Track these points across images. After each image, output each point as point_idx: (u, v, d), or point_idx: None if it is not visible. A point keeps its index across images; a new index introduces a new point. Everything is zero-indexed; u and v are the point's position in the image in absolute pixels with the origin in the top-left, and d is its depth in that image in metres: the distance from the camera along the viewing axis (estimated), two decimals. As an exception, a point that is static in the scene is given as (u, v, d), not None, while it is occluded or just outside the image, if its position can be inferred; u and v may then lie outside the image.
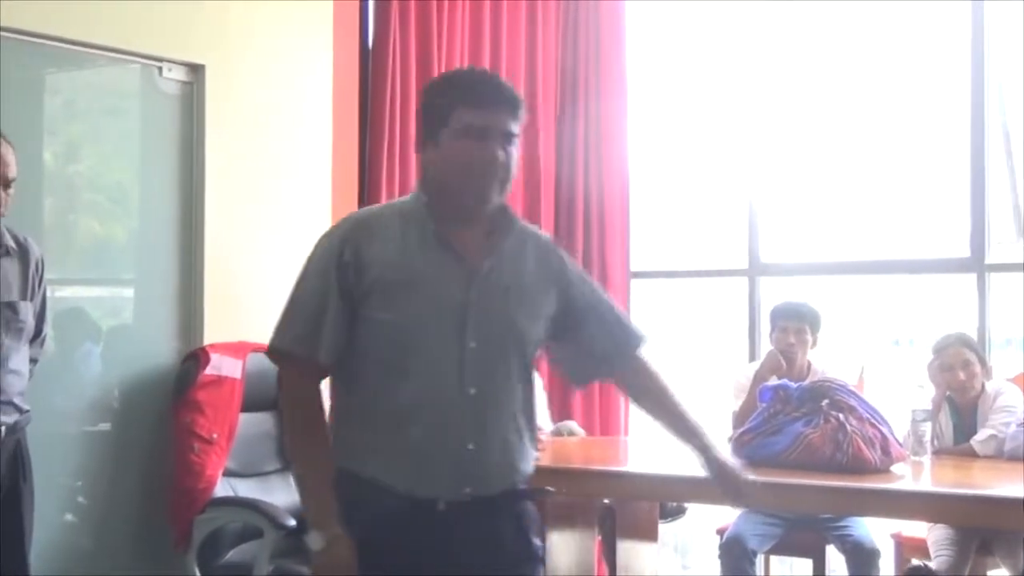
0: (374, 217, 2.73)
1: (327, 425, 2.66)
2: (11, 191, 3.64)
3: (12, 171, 3.63)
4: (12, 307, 3.70)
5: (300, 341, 2.61)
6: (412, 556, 2.59)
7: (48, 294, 3.93)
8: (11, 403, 3.68)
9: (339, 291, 2.61)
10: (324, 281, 2.62)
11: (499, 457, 2.65)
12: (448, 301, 2.62)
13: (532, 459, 2.76)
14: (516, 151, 2.71)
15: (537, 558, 2.77)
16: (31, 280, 3.78)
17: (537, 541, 2.76)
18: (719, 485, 3.01)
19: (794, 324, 4.97)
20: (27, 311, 3.75)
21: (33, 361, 3.86)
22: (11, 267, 3.73)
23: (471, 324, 2.62)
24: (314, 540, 2.54)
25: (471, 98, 2.65)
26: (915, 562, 4.70)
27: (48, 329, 3.96)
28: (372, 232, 2.65)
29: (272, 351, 2.66)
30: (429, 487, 2.60)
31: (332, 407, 2.72)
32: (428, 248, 2.65)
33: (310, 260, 2.68)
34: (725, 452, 3.03)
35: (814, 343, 5.00)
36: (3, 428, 3.65)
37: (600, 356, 2.91)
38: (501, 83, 2.76)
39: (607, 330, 2.91)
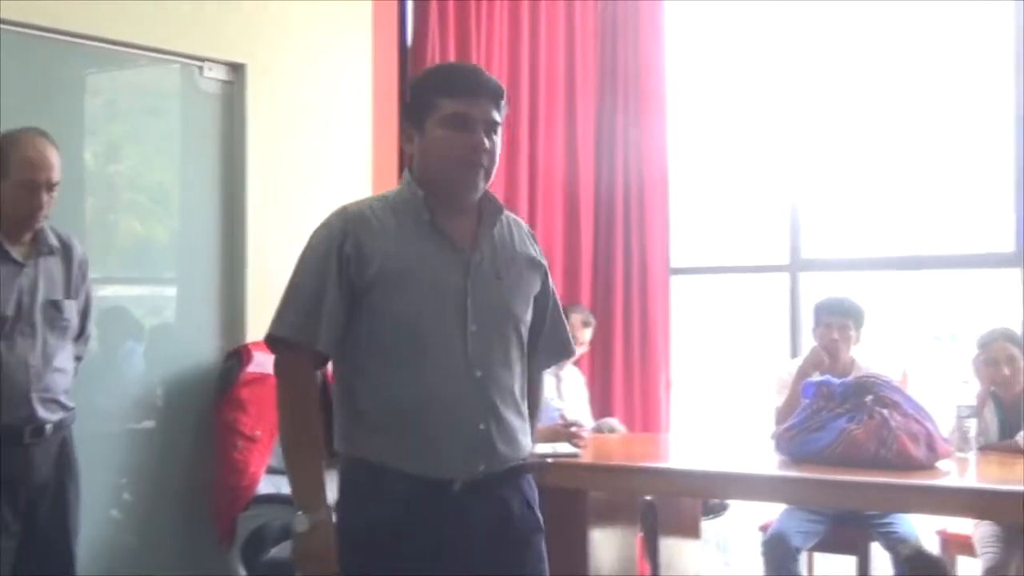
0: (368, 210, 2.77)
1: (320, 413, 2.71)
2: (55, 194, 3.67)
3: (56, 175, 3.67)
4: (56, 306, 3.73)
5: (299, 329, 2.68)
6: (429, 538, 2.67)
7: (91, 293, 3.95)
8: (56, 401, 3.71)
9: (339, 282, 2.68)
10: (324, 272, 2.68)
11: (508, 434, 2.75)
12: (448, 288, 2.72)
13: (531, 434, 2.89)
14: (499, 140, 2.77)
15: (540, 529, 2.87)
16: (74, 278, 3.82)
17: (539, 512, 2.87)
18: None
19: (838, 320, 4.94)
20: (71, 309, 3.78)
21: (78, 359, 3.89)
22: (55, 266, 3.76)
23: (471, 309, 2.72)
24: (300, 522, 2.61)
25: (454, 88, 2.72)
26: (915, 547, 4.67)
27: (92, 327, 3.98)
28: (370, 225, 2.72)
29: (270, 338, 2.73)
30: (446, 468, 2.68)
31: (336, 399, 2.78)
32: (424, 238, 2.73)
33: (308, 250, 2.74)
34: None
35: (857, 339, 4.96)
36: (49, 426, 3.68)
37: (538, 351, 2.96)
38: (483, 73, 2.82)
39: (554, 329, 3.00)
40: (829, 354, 4.89)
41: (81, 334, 3.91)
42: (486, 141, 2.72)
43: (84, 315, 3.90)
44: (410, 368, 2.68)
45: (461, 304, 2.72)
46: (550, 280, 2.98)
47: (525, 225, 2.98)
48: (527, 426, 2.85)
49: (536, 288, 2.90)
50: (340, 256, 2.68)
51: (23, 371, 3.62)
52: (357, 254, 2.68)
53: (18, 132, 3.67)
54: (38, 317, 3.67)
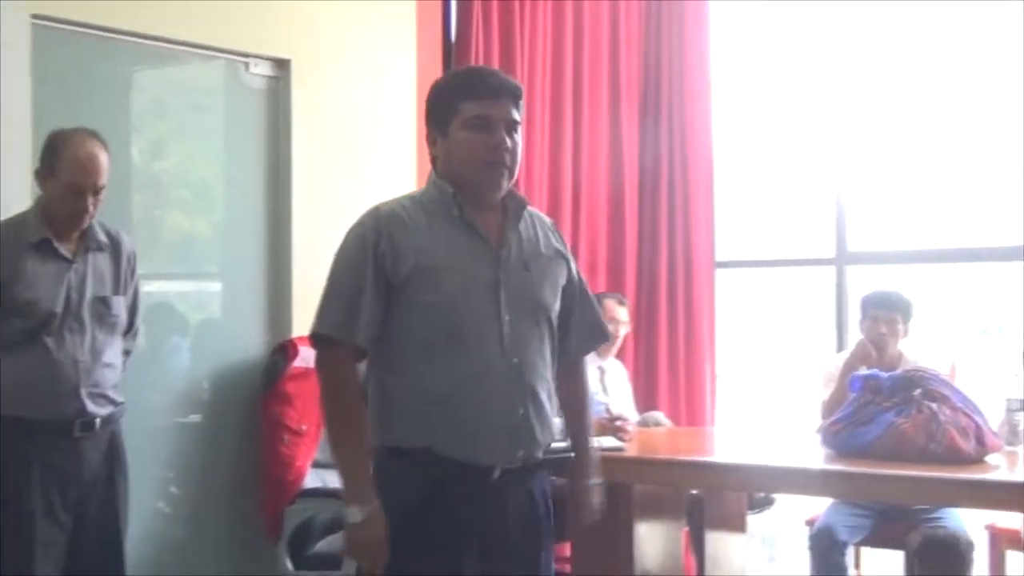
0: (400, 208, 2.87)
1: (363, 405, 2.82)
2: (102, 196, 3.70)
3: (103, 180, 3.68)
4: (104, 302, 3.75)
5: (339, 326, 2.77)
6: (468, 524, 2.79)
7: (139, 287, 3.98)
8: (105, 396, 3.74)
9: (375, 280, 2.77)
10: (361, 270, 2.78)
11: (544, 418, 2.89)
12: (482, 280, 2.84)
13: (588, 426, 3.19)
14: (520, 137, 2.89)
15: (551, 514, 3.03)
16: (123, 274, 3.83)
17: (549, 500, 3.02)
18: (571, 497, 3.24)
19: (885, 313, 4.90)
20: (119, 305, 3.80)
21: (126, 353, 3.91)
22: (104, 262, 3.78)
23: (504, 299, 2.84)
24: (352, 514, 2.70)
25: (475, 92, 2.84)
26: (925, 535, 4.62)
27: (140, 322, 4.01)
28: (403, 223, 2.83)
29: (313, 335, 2.81)
30: (488, 454, 2.81)
31: (371, 393, 2.87)
32: (455, 233, 2.85)
33: (344, 250, 2.84)
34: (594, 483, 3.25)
35: (906, 332, 4.92)
36: (98, 420, 3.71)
37: (571, 338, 3.07)
38: (501, 75, 2.95)
39: (585, 313, 3.12)
40: (876, 348, 4.86)
41: (129, 329, 3.93)
42: (507, 140, 2.83)
43: (132, 310, 3.92)
44: (448, 357, 2.78)
45: (494, 295, 2.83)
46: (575, 268, 3.09)
47: (548, 219, 3.10)
48: (555, 411, 2.99)
49: (563, 279, 3.02)
50: (375, 255, 2.78)
51: (72, 367, 3.64)
52: (392, 251, 2.78)
53: (70, 132, 3.68)
54: (86, 313, 3.69)
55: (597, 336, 3.20)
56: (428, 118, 2.93)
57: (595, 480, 3.23)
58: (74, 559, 3.69)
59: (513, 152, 2.85)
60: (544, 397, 2.89)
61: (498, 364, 2.81)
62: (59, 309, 3.63)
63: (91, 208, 3.66)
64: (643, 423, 5.32)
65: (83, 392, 3.66)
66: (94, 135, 3.69)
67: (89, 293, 3.71)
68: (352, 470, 2.75)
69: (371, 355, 2.86)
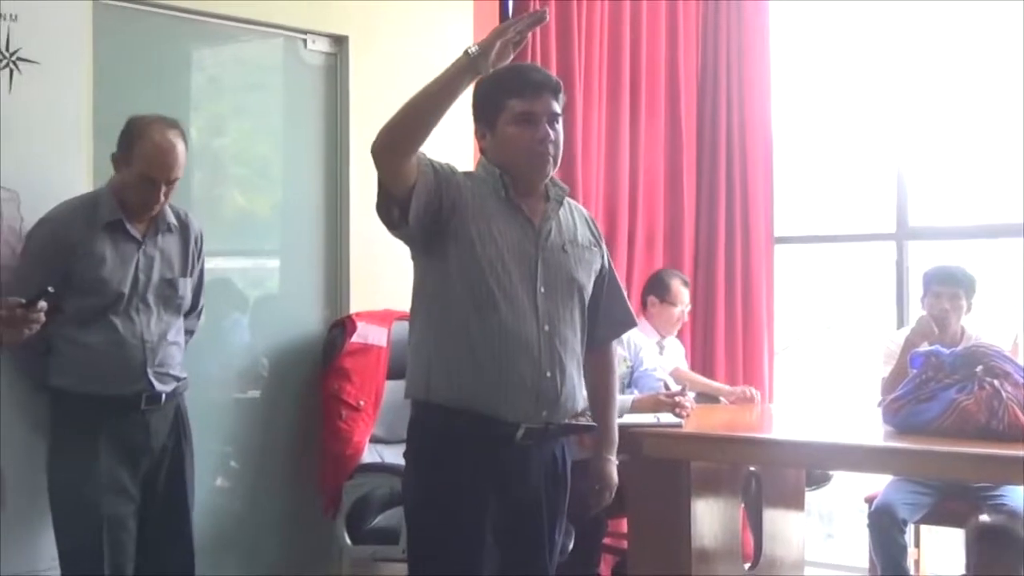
0: (464, 176, 3.14)
1: None
2: (175, 186, 3.74)
3: (179, 172, 3.71)
4: (171, 284, 3.80)
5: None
6: (494, 477, 3.09)
7: (204, 269, 4.03)
8: (169, 374, 3.79)
9: (436, 181, 3.04)
10: (430, 164, 3.06)
11: (568, 387, 3.14)
12: (521, 254, 3.11)
13: (615, 406, 3.49)
14: (561, 127, 3.16)
15: (568, 479, 3.28)
16: (191, 256, 3.89)
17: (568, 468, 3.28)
18: (591, 479, 3.45)
19: (948, 289, 4.86)
20: (185, 287, 3.85)
21: (189, 333, 3.98)
22: (172, 244, 3.83)
23: (540, 274, 3.12)
24: (472, 48, 2.95)
25: (520, 89, 3.12)
26: (983, 519, 4.59)
27: (204, 301, 4.05)
28: (465, 184, 3.11)
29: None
30: (515, 411, 3.06)
31: (416, 346, 3.18)
32: (502, 210, 3.13)
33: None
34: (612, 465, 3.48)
35: (968, 308, 4.88)
36: (164, 395, 3.77)
37: (599, 327, 3.34)
38: (543, 71, 3.27)
39: (613, 301, 3.39)
40: (938, 324, 4.81)
41: (194, 309, 3.99)
42: (551, 132, 3.11)
43: (197, 290, 3.97)
44: (485, 319, 3.04)
45: (532, 269, 3.11)
46: (608, 259, 3.37)
47: (586, 211, 3.41)
48: (583, 384, 3.24)
49: (597, 265, 3.29)
50: (447, 175, 3.07)
51: (139, 346, 3.70)
52: (457, 193, 3.07)
53: (149, 120, 3.69)
54: (153, 294, 3.75)
55: (625, 324, 3.49)
56: (476, 114, 3.21)
57: (614, 457, 3.47)
58: (145, 530, 3.75)
59: (556, 142, 3.13)
60: (572, 367, 3.15)
61: (531, 329, 3.08)
62: (127, 289, 3.68)
63: (162, 199, 3.70)
64: (739, 395, 5.44)
65: (150, 372, 3.71)
66: (174, 125, 3.70)
67: (157, 275, 3.76)
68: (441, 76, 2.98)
69: (413, 312, 3.19)
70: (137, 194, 3.67)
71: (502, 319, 3.05)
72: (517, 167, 3.14)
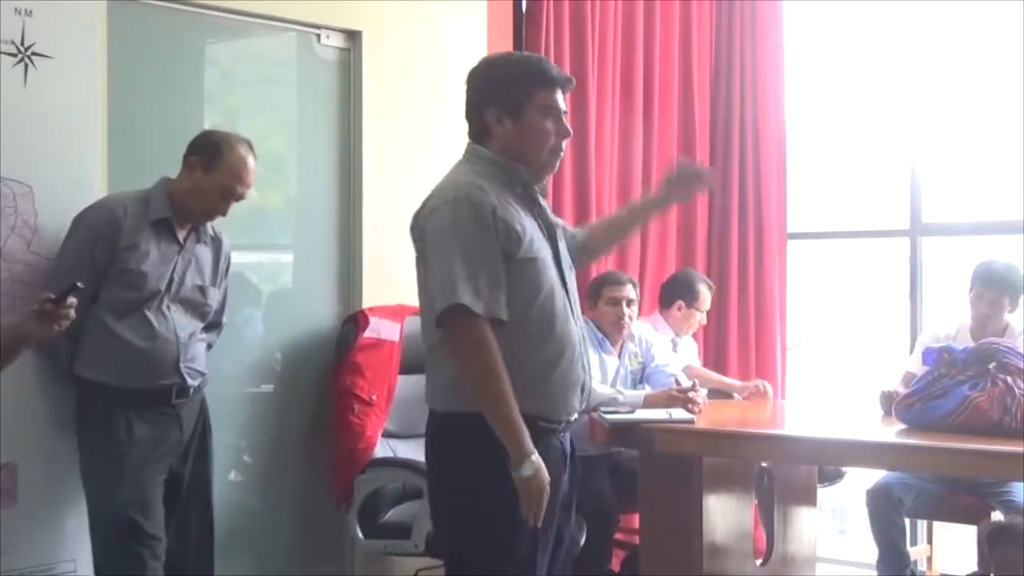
0: (487, 183, 3.02)
1: None
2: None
3: (251, 193, 3.87)
4: (203, 291, 3.91)
5: (481, 299, 2.91)
6: (557, 475, 3.06)
7: (229, 287, 4.13)
8: (197, 369, 3.89)
9: (502, 255, 2.95)
10: (490, 246, 2.94)
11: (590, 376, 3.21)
12: (550, 255, 3.10)
13: None
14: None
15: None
16: (220, 270, 4.00)
17: None
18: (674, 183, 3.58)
19: (989, 291, 4.91)
20: (214, 296, 3.97)
21: (208, 346, 4.04)
22: (206, 255, 3.93)
23: (564, 269, 3.14)
24: (526, 468, 2.90)
25: (547, 81, 3.08)
26: (996, 519, 4.60)
27: (226, 319, 4.15)
28: (496, 197, 2.99)
29: (455, 308, 2.89)
30: (568, 409, 3.10)
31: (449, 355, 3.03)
32: (523, 206, 3.07)
33: (462, 221, 2.94)
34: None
35: (1013, 308, 4.93)
36: (192, 389, 3.86)
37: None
38: (562, 70, 3.24)
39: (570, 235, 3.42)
40: (976, 323, 4.87)
41: (217, 325, 4.09)
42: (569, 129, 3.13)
43: (222, 305, 4.08)
44: (548, 324, 3.03)
45: (558, 266, 3.12)
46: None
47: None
48: None
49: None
50: (496, 230, 2.95)
51: (173, 341, 3.78)
52: (504, 226, 2.96)
53: (233, 136, 3.83)
54: (184, 297, 3.84)
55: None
56: (494, 96, 3.08)
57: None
58: (168, 520, 3.82)
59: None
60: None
61: (574, 326, 3.10)
62: (163, 287, 3.76)
63: (225, 213, 3.84)
64: (752, 389, 5.42)
65: (182, 367, 3.81)
66: (251, 145, 3.85)
67: (190, 280, 3.85)
68: (519, 429, 2.91)
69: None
70: (208, 201, 3.79)
71: (557, 325, 3.05)
72: (536, 159, 3.08)
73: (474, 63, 3.19)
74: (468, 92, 3.15)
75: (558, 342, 3.04)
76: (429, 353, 3.11)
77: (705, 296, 5.54)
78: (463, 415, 2.98)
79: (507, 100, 3.06)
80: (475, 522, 3.02)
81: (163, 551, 3.74)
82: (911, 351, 5.29)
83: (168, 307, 3.78)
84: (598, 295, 5.03)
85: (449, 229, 2.94)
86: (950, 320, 5.11)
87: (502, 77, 3.10)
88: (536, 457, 2.90)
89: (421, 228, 3.04)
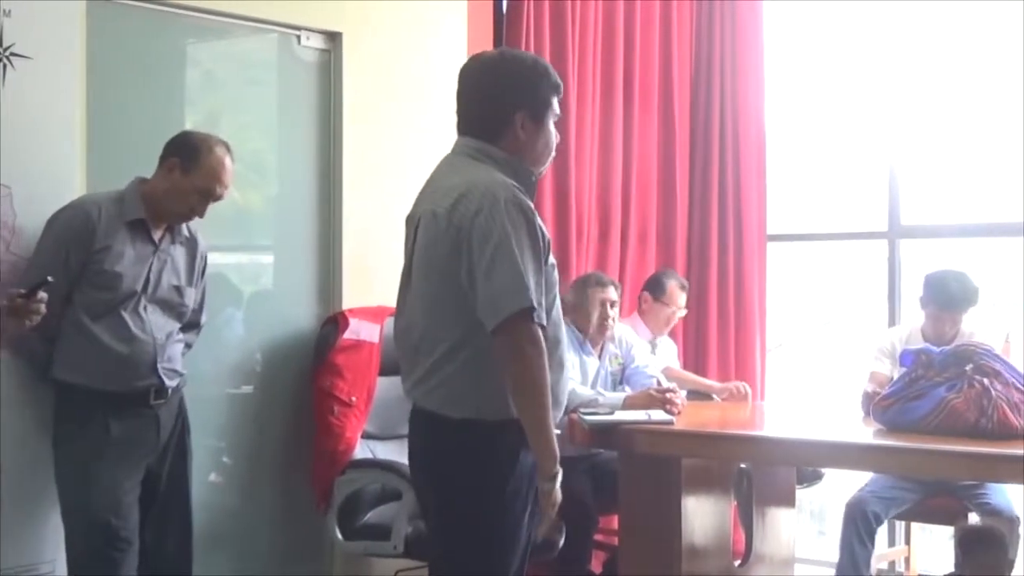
0: (512, 182, 2.99)
1: None
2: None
3: (228, 194, 3.87)
4: (179, 291, 3.90)
5: (540, 307, 2.91)
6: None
7: (207, 287, 4.12)
8: (175, 370, 3.88)
9: (543, 260, 2.96)
10: (539, 251, 2.94)
11: None
12: None
13: None
14: None
15: None
16: (196, 271, 3.98)
17: None
18: None
19: (949, 315, 4.88)
20: (191, 296, 3.95)
21: (187, 346, 4.04)
22: (181, 255, 3.92)
23: None
24: (556, 480, 2.94)
25: (559, 90, 3.09)
26: (971, 521, 4.64)
27: (205, 318, 4.14)
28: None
29: (525, 311, 2.87)
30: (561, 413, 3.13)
31: (470, 363, 2.98)
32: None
33: (522, 226, 2.91)
34: None
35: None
36: (169, 389, 3.86)
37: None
38: None
39: None
40: (933, 342, 4.87)
41: (196, 325, 4.07)
42: None
43: (200, 306, 4.06)
44: (558, 332, 3.04)
45: None
46: None
47: None
48: None
49: None
50: (540, 231, 2.96)
51: (150, 342, 3.77)
52: (543, 231, 2.97)
53: (212, 139, 3.84)
54: (161, 298, 3.83)
55: None
56: (526, 99, 3.04)
57: None
58: (145, 522, 3.82)
59: None
60: None
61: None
62: (139, 288, 3.75)
63: (203, 215, 3.83)
64: (733, 390, 5.42)
65: (160, 368, 3.80)
66: (229, 147, 3.85)
67: (166, 280, 3.84)
68: (555, 443, 2.94)
69: (464, 329, 2.96)
70: (185, 202, 3.78)
71: (561, 324, 3.10)
72: (541, 165, 3.10)
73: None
74: (485, 88, 3.07)
75: (565, 346, 3.09)
76: (445, 355, 2.99)
77: (674, 292, 5.51)
78: (490, 424, 2.96)
79: (535, 104, 3.05)
80: (492, 532, 3.00)
81: (135, 553, 3.73)
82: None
83: (145, 308, 3.77)
84: (582, 296, 5.04)
85: (512, 231, 2.88)
86: (903, 323, 5.12)
87: (532, 81, 3.06)
88: (559, 468, 2.95)
89: (458, 227, 2.92)
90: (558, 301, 3.07)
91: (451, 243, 2.93)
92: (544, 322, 2.92)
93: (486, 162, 3.02)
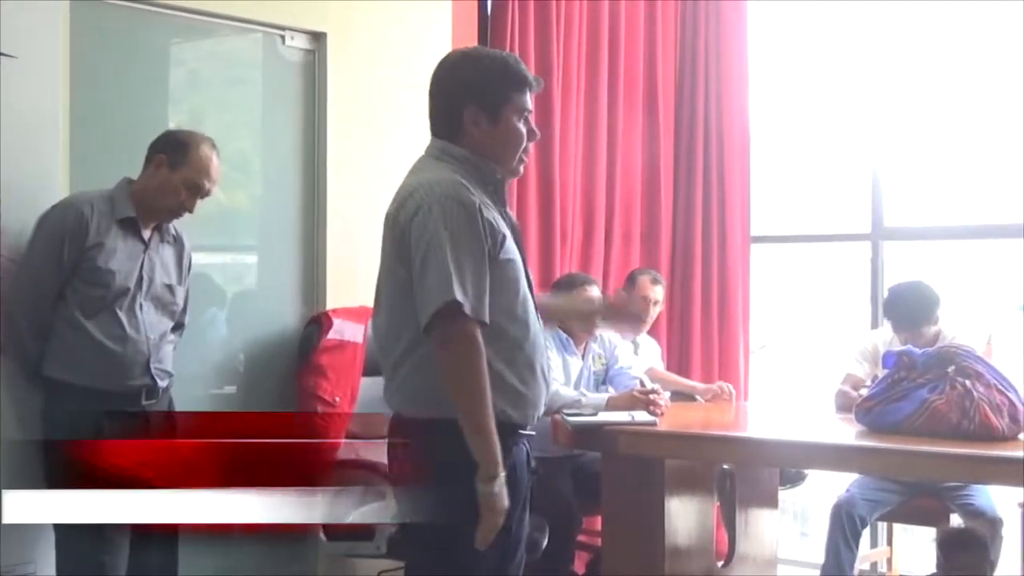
0: (466, 180, 2.94)
1: None
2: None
3: (215, 189, 3.90)
4: (171, 289, 3.93)
5: (472, 300, 2.82)
6: (525, 478, 3.05)
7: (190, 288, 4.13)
8: (166, 370, 3.91)
9: (488, 256, 2.87)
10: (479, 247, 2.85)
11: None
12: (519, 256, 3.00)
13: None
14: None
15: None
16: (183, 269, 4.01)
17: None
18: None
19: (906, 332, 4.86)
20: (181, 295, 3.99)
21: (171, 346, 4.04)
22: (170, 254, 3.96)
23: (528, 273, 3.04)
24: (497, 485, 2.81)
25: (524, 85, 3.01)
26: (953, 524, 4.68)
27: (188, 318, 4.14)
28: (479, 197, 2.91)
29: (450, 305, 2.79)
30: (539, 414, 3.04)
31: (426, 360, 2.91)
32: (498, 208, 2.99)
33: (458, 223, 2.84)
34: None
35: (936, 321, 4.87)
36: (160, 389, 3.88)
37: None
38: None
39: None
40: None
41: (180, 325, 4.08)
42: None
43: (184, 306, 4.07)
44: (524, 328, 2.95)
45: (526, 272, 3.02)
46: None
47: None
48: None
49: None
50: (484, 231, 2.87)
51: (143, 342, 3.80)
52: (490, 227, 2.88)
53: (198, 135, 3.88)
54: (154, 296, 3.86)
55: None
56: (478, 97, 2.98)
57: None
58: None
59: None
60: None
61: (541, 331, 3.05)
62: (132, 286, 3.78)
63: (192, 210, 3.85)
64: (716, 391, 5.40)
65: (152, 368, 3.83)
66: (214, 143, 3.89)
67: (158, 279, 3.87)
68: (496, 442, 2.82)
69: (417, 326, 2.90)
70: (173, 198, 3.81)
71: (531, 323, 2.98)
72: (507, 163, 3.01)
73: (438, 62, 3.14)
74: (441, 86, 3.03)
75: (532, 346, 2.96)
76: (403, 354, 2.94)
77: (644, 284, 5.47)
78: (452, 422, 2.84)
79: (486, 100, 2.97)
80: (457, 533, 2.89)
81: (124, 555, 3.73)
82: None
83: (141, 306, 3.79)
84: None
85: (442, 228, 2.83)
86: (885, 325, 5.13)
87: (482, 76, 3.00)
88: (501, 479, 2.81)
89: (402, 228, 2.89)
90: (527, 300, 2.97)
91: (397, 244, 2.92)
92: (483, 318, 2.83)
93: (448, 162, 2.98)
